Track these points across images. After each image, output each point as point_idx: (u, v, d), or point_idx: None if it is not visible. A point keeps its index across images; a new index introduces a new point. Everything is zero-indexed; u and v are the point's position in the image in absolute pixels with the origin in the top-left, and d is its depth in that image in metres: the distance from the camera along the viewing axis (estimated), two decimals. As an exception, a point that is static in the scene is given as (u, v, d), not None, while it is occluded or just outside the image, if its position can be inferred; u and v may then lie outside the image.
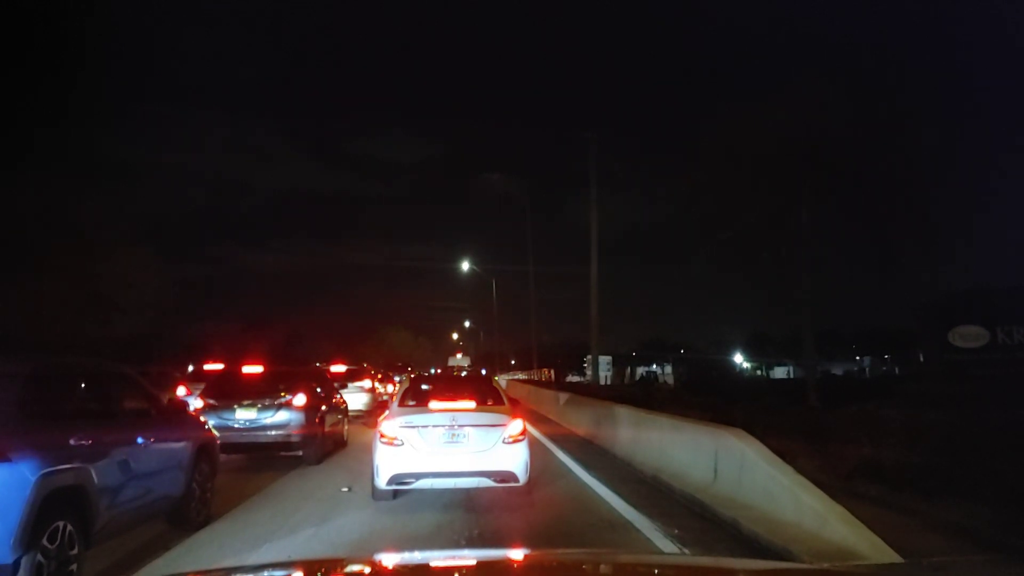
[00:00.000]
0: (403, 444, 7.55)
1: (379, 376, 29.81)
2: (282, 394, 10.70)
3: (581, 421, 15.29)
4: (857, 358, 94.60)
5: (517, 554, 3.30)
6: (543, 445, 13.44)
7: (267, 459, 11.05)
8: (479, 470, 7.57)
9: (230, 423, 10.38)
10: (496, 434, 7.67)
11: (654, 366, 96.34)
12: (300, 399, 10.69)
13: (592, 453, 12.18)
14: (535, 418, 19.50)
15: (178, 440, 6.28)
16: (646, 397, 16.92)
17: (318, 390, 12.38)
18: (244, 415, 10.44)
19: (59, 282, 20.75)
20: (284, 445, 10.57)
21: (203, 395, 10.75)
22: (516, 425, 7.82)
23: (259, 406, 10.50)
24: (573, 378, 73.55)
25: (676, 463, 8.94)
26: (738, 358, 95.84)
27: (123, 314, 23.49)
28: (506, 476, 7.61)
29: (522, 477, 7.68)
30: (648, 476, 9.55)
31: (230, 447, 10.50)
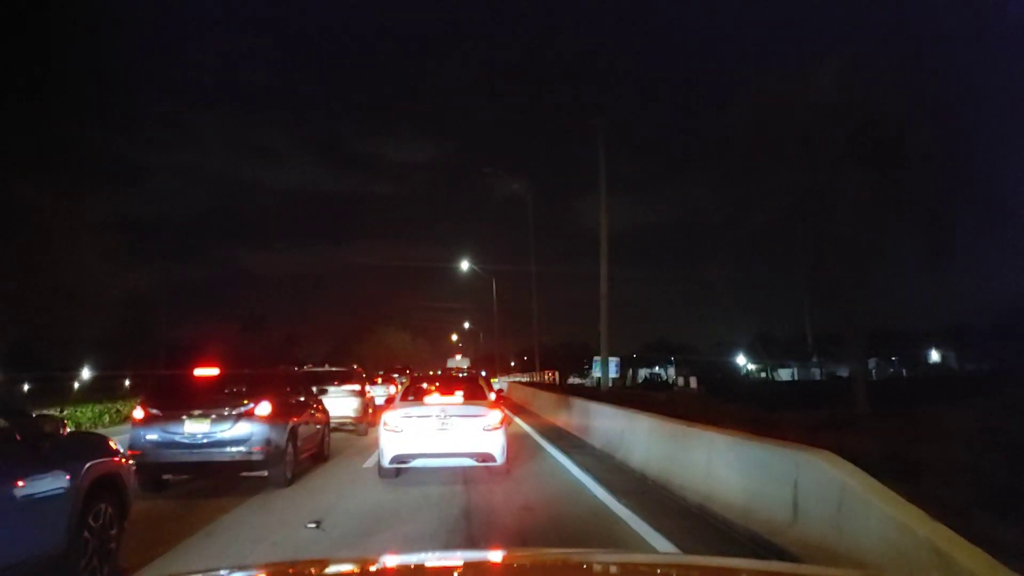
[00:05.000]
0: (403, 431, 9.07)
1: (376, 378, 27.97)
2: (243, 402, 8.79)
3: (597, 432, 13.39)
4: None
5: (515, 554, 3.13)
6: (555, 459, 11.54)
7: (226, 481, 9.18)
8: (464, 452, 9.12)
9: (177, 438, 8.48)
10: (478, 423, 9.14)
11: (657, 368, 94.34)
12: (264, 408, 8.78)
13: (616, 471, 10.28)
14: (541, 426, 17.60)
15: (53, 472, 4.37)
16: (669, 403, 15.04)
17: (296, 397, 10.52)
18: (194, 428, 8.53)
19: (8, 276, 18.76)
20: (244, 464, 8.66)
21: (144, 404, 8.84)
22: (495, 415, 9.31)
23: (213, 417, 8.58)
24: (574, 380, 71.69)
25: (732, 492, 7.04)
26: (741, 359, 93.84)
27: (88, 311, 21.51)
28: (486, 457, 9.14)
29: (499, 458, 9.14)
30: (693, 505, 7.66)
31: (176, 467, 8.69)
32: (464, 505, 7.94)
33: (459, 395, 10.19)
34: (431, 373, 25.44)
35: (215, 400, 8.79)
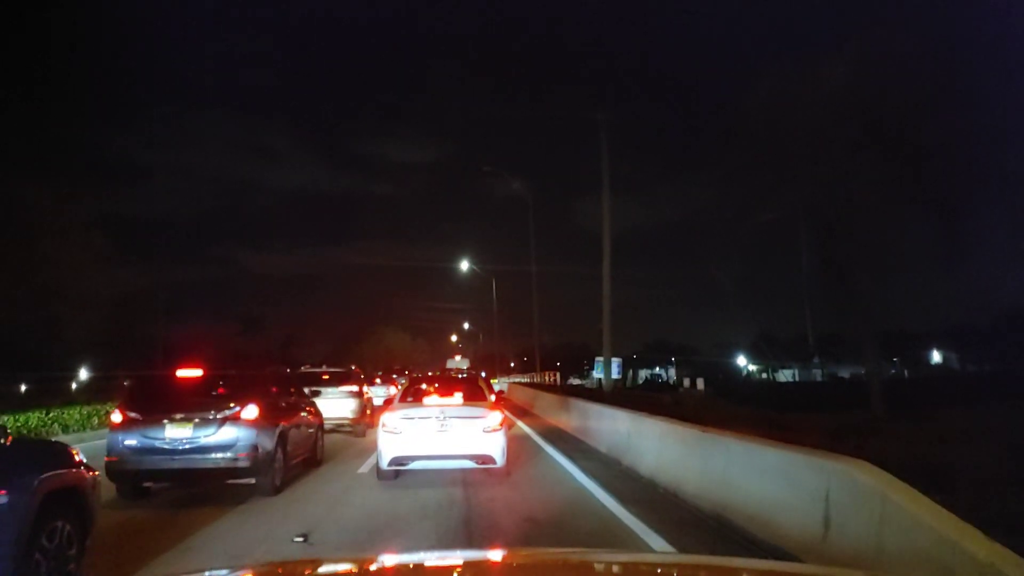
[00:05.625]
0: (401, 433, 8.88)
1: (375, 378, 27.74)
2: (228, 405, 8.25)
3: (602, 435, 12.87)
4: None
5: (514, 554, 3.06)
6: (559, 464, 11.02)
7: (210, 489, 8.65)
8: (463, 453, 8.92)
9: (157, 443, 7.95)
10: (477, 424, 8.95)
11: (657, 369, 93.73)
12: (251, 411, 8.25)
13: (623, 477, 9.76)
14: (544, 428, 17.09)
15: (-3, 489, 3.84)
16: (676, 406, 14.49)
17: (286, 399, 10.00)
18: (176, 433, 7.99)
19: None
20: (229, 471, 8.12)
21: (122, 407, 8.30)
22: (495, 417, 9.12)
23: (196, 421, 8.05)
24: (573, 381, 71.17)
25: (753, 501, 6.52)
26: (741, 360, 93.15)
27: (86, 312, 20.96)
28: (485, 459, 8.94)
29: (499, 460, 8.95)
30: (709, 515, 7.15)
31: (157, 474, 8.16)
32: (464, 516, 7.42)
33: (458, 396, 9.90)
34: (430, 374, 25.17)
35: (198, 403, 8.26)
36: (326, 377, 17.34)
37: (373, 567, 2.57)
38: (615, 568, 2.65)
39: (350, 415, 16.17)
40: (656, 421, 10.10)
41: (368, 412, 16.89)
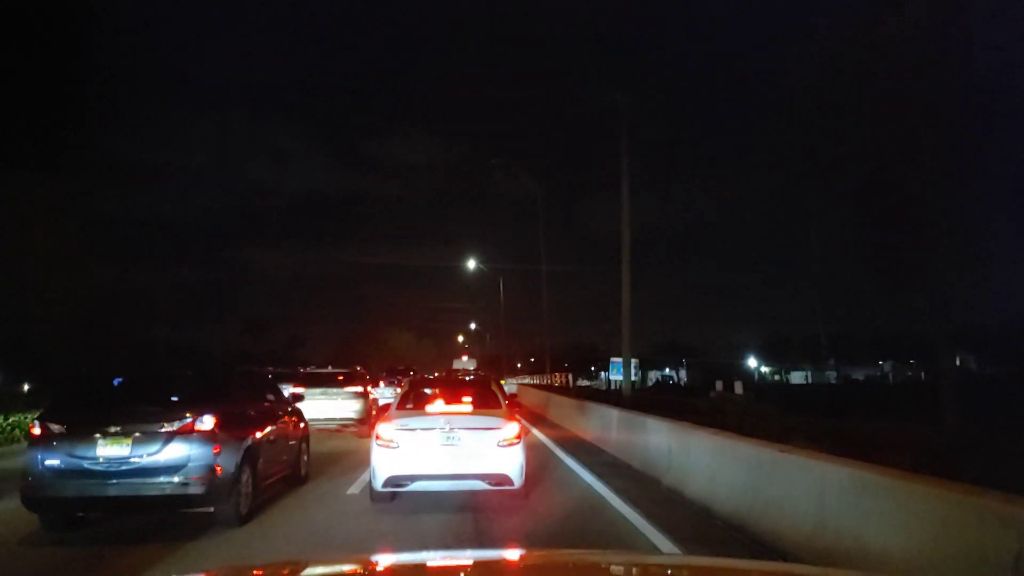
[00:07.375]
0: (399, 447, 7.52)
1: (379, 379, 27.14)
2: (180, 414, 6.54)
3: (634, 448, 11.12)
4: (880, 363, 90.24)
5: (516, 555, 3.09)
6: (588, 485, 9.28)
7: (160, 518, 6.95)
8: (473, 472, 7.51)
9: (86, 464, 6.23)
10: (491, 437, 7.58)
11: (667, 370, 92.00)
12: (206, 422, 6.52)
13: (669, 504, 8.00)
14: (562, 438, 15.35)
15: None
16: (717, 412, 12.77)
17: (258, 405, 8.31)
18: (110, 450, 6.27)
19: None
20: (179, 499, 6.40)
21: (43, 417, 6.58)
22: (511, 428, 7.72)
23: (136, 435, 6.33)
24: (582, 383, 69.51)
25: (877, 553, 4.76)
26: (752, 362, 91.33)
27: (74, 309, 19.47)
28: (500, 479, 7.54)
29: (517, 480, 7.61)
30: (807, 561, 5.39)
31: (86, 503, 6.47)
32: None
33: (468, 403, 8.49)
34: (435, 375, 23.68)
35: (140, 412, 6.54)
36: (340, 378, 17.58)
37: (381, 567, 2.51)
38: (617, 570, 2.61)
39: (354, 416, 16.49)
40: (706, 435, 8.35)
41: (373, 413, 16.91)
